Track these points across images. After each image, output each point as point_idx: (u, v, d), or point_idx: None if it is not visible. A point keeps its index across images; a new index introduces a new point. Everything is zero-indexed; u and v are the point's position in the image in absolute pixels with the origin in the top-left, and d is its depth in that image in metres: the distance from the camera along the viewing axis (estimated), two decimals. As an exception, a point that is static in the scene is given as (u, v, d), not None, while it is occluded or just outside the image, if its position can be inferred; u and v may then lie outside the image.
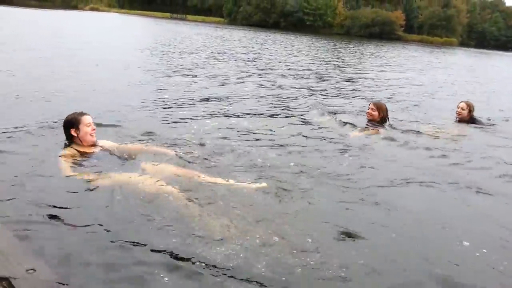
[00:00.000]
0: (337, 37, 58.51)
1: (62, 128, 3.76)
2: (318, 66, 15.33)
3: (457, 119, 6.31)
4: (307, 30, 69.94)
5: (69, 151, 3.62)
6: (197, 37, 27.74)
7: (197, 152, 4.12)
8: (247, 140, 4.88)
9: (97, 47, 16.32)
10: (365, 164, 4.29)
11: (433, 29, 75.08)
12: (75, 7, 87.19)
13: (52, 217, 2.59)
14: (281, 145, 4.71)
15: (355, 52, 27.76)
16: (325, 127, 5.80)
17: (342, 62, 18.72)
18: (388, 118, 5.91)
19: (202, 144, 4.45)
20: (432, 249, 2.76)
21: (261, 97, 7.96)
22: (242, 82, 9.70)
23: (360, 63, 19.21)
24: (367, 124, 5.84)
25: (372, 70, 15.96)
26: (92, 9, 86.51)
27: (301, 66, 14.78)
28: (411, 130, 5.81)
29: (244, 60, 14.81)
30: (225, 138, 4.82)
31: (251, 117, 6.19)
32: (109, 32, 28.22)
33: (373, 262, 2.48)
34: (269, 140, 4.97)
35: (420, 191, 3.75)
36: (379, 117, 5.81)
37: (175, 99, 6.94)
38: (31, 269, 1.67)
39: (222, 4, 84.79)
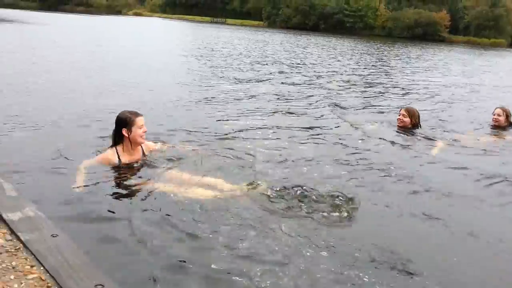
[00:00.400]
0: (378, 39, 57.19)
1: (115, 124, 3.65)
2: (363, 71, 14.83)
3: (493, 126, 5.98)
4: (347, 32, 68.89)
5: (111, 155, 3.59)
6: (239, 41, 27.84)
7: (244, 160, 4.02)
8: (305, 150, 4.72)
9: (147, 51, 16.70)
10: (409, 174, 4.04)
11: (480, 30, 71.89)
12: (119, 12, 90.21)
13: (119, 232, 2.56)
14: (335, 160, 4.44)
15: (401, 55, 26.75)
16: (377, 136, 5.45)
17: (388, 66, 18.11)
18: (420, 125, 5.61)
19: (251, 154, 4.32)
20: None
21: (311, 104, 7.76)
22: (292, 84, 9.50)
23: (408, 66, 18.45)
24: (397, 131, 5.57)
25: (421, 74, 15.28)
26: (136, 14, 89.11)
27: (346, 71, 14.37)
28: (445, 139, 5.45)
29: (288, 65, 14.62)
30: (276, 148, 4.66)
31: (308, 127, 5.93)
32: (155, 36, 28.89)
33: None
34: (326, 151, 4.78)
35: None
36: (411, 124, 5.54)
37: (223, 106, 6.89)
38: (99, 285, 1.59)
39: (261, 7, 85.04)
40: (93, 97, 6.68)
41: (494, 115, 5.96)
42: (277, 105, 7.25)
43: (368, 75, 13.75)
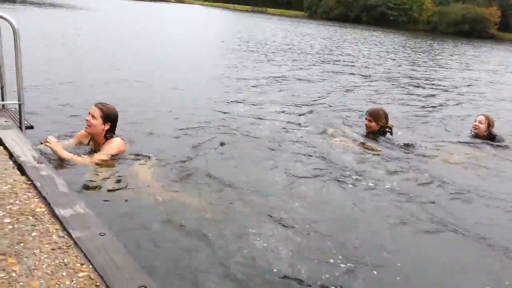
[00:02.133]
0: (422, 34, 55.38)
1: (114, 118, 3.77)
2: (417, 71, 14.13)
3: (473, 133, 5.60)
4: (390, 26, 67.03)
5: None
6: (284, 33, 27.65)
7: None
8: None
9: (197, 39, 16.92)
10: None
11: (534, 27, 68.24)
12: (162, 0, 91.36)
13: (165, 233, 2.65)
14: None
15: (453, 53, 25.23)
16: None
17: (445, 66, 17.07)
18: (391, 128, 5.11)
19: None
20: None
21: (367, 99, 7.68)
22: (348, 89, 9.36)
23: (467, 68, 17.37)
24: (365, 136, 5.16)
25: (481, 78, 14.37)
26: (178, 1, 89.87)
27: (399, 71, 13.75)
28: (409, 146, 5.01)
29: (341, 63, 14.31)
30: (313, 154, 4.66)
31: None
32: (200, 26, 29.16)
33: None
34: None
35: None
36: (378, 127, 5.06)
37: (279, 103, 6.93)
38: (142, 286, 1.67)
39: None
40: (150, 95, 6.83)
41: (475, 121, 5.58)
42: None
43: (422, 75, 13.37)
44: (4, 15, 3.29)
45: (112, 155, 3.64)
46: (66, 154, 3.41)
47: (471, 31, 63.60)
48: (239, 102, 6.72)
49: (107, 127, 3.70)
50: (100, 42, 12.90)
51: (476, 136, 5.56)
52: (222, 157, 4.24)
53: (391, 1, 70.77)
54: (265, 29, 29.50)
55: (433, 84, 11.37)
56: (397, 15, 71.06)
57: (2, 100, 3.65)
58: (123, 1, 54.88)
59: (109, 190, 3.11)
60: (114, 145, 3.69)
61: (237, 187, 3.47)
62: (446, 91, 10.37)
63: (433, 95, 9.53)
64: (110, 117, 3.71)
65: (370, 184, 3.84)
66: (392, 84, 10.53)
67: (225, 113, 5.91)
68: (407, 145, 4.99)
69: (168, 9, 52.95)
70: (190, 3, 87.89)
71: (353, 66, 13.37)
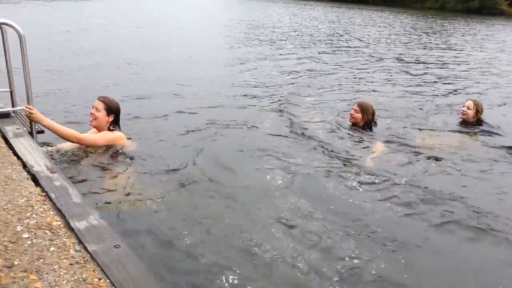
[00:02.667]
0: (431, 12, 54.41)
1: (117, 110, 3.94)
2: (431, 55, 13.48)
3: (461, 119, 5.52)
4: (397, 5, 65.83)
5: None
6: (290, 17, 27.32)
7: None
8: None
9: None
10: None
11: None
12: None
13: (177, 244, 2.69)
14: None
15: (466, 33, 23.90)
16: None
17: (458, 48, 16.31)
18: (374, 123, 5.14)
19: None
20: None
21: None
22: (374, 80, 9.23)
23: (482, 49, 16.47)
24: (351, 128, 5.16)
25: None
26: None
27: (411, 55, 13.26)
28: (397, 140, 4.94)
29: (351, 49, 14.13)
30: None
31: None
32: (204, 12, 28.94)
33: None
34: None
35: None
36: (363, 121, 5.08)
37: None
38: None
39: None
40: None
41: (463, 107, 5.45)
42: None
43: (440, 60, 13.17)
44: (9, 22, 3.32)
45: (107, 143, 3.81)
46: (50, 122, 3.54)
47: (480, 8, 62.28)
48: (248, 95, 6.75)
49: (111, 119, 3.89)
50: (110, 40, 12.89)
51: (464, 122, 5.45)
52: (229, 158, 4.25)
53: (398, -21, 69.46)
54: (271, 14, 29.20)
55: (447, 69, 11.19)
56: (404, -6, 69.80)
57: (12, 106, 3.70)
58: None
59: (119, 197, 3.17)
60: (111, 134, 3.85)
61: (243, 189, 3.53)
62: (460, 77, 10.17)
63: (447, 81, 9.42)
64: (113, 109, 3.89)
65: (362, 177, 3.90)
66: (404, 71, 10.37)
67: (231, 108, 5.95)
68: (389, 139, 4.93)
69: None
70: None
71: (363, 52, 13.06)
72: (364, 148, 4.68)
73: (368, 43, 15.45)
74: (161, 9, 25.52)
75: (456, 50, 15.55)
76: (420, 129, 5.43)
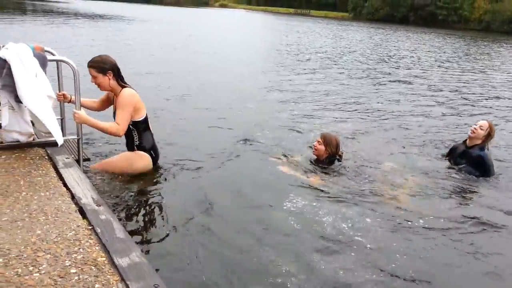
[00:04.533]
0: (474, 33, 53.18)
1: (111, 65, 3.85)
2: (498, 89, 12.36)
3: (468, 136, 4.97)
4: (438, 25, 64.90)
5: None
6: (332, 38, 27.39)
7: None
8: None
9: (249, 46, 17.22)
10: None
11: None
12: (205, 4, 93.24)
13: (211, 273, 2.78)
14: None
15: None
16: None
17: None
18: (339, 157, 4.83)
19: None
20: None
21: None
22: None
23: None
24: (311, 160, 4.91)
25: None
26: (222, 5, 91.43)
27: (469, 85, 12.46)
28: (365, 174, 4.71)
29: (404, 76, 13.98)
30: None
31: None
32: (245, 31, 29.53)
33: None
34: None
35: None
36: (326, 153, 4.78)
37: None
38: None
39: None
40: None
41: (476, 124, 4.92)
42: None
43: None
44: (65, 59, 3.59)
45: (128, 108, 3.83)
46: (93, 122, 3.70)
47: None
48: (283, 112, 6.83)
49: (110, 76, 3.82)
50: (151, 62, 13.39)
51: (468, 141, 4.98)
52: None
53: (440, 0, 68.52)
54: (315, 36, 29.41)
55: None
56: (447, 14, 68.70)
57: (63, 134, 3.95)
58: (165, 8, 56.32)
59: (158, 232, 3.29)
60: (123, 99, 3.84)
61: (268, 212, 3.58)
62: None
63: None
64: (106, 67, 3.79)
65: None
66: (464, 104, 9.85)
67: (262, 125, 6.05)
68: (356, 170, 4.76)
69: (213, 15, 53.90)
70: (233, 8, 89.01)
71: (422, 83, 12.20)
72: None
73: (424, 70, 15.05)
74: (209, 33, 26.23)
75: None
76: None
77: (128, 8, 50.01)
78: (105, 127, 3.78)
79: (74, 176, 3.11)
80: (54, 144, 3.66)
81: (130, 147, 4.16)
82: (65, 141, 3.93)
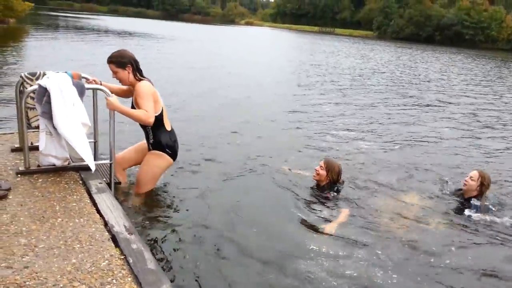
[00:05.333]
0: (503, 53, 52.30)
1: (129, 58, 3.88)
2: None
3: (463, 189, 4.82)
4: (465, 45, 64.10)
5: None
6: (359, 58, 27.28)
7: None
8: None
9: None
10: None
11: None
12: (232, 21, 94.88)
13: None
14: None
15: None
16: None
17: None
18: (339, 183, 4.75)
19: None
20: None
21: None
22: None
23: None
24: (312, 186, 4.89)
25: None
26: (247, 23, 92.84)
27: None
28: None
29: (435, 99, 13.85)
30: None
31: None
32: (269, 49, 29.85)
33: None
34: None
35: None
36: (327, 179, 4.72)
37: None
38: None
39: (373, 17, 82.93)
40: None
41: (467, 176, 4.82)
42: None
43: None
44: (101, 87, 3.73)
45: (149, 97, 3.80)
46: (124, 109, 3.69)
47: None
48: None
49: (129, 70, 3.85)
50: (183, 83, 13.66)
51: (465, 192, 4.83)
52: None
53: (467, 19, 67.79)
54: (338, 53, 29.47)
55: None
56: (474, 34, 67.85)
57: (96, 157, 4.08)
58: (193, 25, 57.40)
59: (187, 266, 3.33)
60: (142, 89, 3.81)
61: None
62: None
63: None
64: (125, 62, 3.83)
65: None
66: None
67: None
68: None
69: (239, 32, 54.63)
70: (258, 25, 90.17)
71: (453, 110, 11.75)
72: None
73: (456, 94, 14.79)
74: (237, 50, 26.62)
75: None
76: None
77: (156, 25, 51.25)
78: (136, 114, 3.75)
79: (107, 203, 3.20)
80: (87, 168, 3.77)
81: (147, 144, 4.21)
82: (97, 165, 4.06)
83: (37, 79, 3.76)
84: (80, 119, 3.50)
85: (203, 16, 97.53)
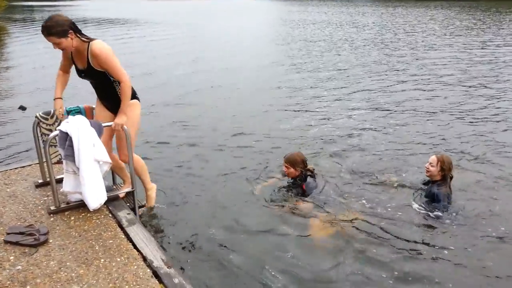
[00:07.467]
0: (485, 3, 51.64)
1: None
2: None
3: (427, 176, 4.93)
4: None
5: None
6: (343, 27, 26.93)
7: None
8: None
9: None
10: None
11: None
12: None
13: None
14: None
15: None
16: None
17: None
18: (311, 173, 4.95)
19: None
20: None
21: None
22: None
23: None
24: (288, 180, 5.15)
25: None
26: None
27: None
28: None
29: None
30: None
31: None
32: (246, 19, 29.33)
33: None
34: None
35: None
36: (297, 172, 4.92)
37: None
38: None
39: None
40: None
41: (427, 162, 4.82)
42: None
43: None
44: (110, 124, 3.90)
45: (114, 57, 3.61)
46: (124, 108, 3.75)
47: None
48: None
49: (72, 36, 3.55)
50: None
51: (430, 179, 4.87)
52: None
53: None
54: (329, 22, 29.13)
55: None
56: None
57: (114, 183, 4.31)
58: (172, 2, 55.89)
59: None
60: (102, 51, 3.59)
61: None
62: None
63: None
64: (65, 29, 3.50)
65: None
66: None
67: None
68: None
69: (219, 4, 53.41)
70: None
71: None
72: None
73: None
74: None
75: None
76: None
77: (136, 7, 50.08)
78: (127, 94, 3.72)
79: (140, 236, 3.44)
80: (113, 199, 4.01)
81: (114, 100, 3.93)
82: (121, 194, 4.29)
83: (51, 117, 3.96)
84: (101, 158, 3.71)
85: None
